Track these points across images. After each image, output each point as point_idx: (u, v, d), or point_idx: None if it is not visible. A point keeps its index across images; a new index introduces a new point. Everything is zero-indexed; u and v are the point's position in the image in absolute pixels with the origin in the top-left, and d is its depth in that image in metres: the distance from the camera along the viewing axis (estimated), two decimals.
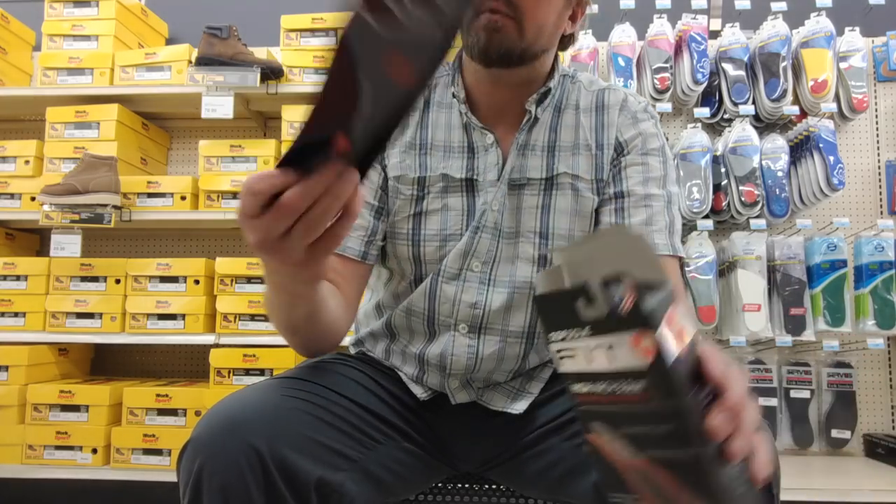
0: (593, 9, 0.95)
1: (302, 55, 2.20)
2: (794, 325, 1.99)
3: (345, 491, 0.75)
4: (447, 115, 0.96)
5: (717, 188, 2.05)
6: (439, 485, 1.02)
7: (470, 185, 0.92)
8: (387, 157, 0.95)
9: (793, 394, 2.09)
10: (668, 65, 2.10)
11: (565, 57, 2.22)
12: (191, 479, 0.66)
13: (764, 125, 2.18)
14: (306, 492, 0.70)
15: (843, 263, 2.01)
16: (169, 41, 2.58)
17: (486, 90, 0.93)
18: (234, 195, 2.13)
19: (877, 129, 2.28)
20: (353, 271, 0.91)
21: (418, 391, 0.94)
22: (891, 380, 2.19)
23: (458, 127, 0.94)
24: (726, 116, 2.16)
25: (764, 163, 2.05)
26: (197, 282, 2.07)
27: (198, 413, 1.97)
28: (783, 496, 0.73)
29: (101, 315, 2.07)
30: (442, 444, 0.93)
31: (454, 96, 0.94)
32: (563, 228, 0.92)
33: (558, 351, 0.46)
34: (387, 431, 0.86)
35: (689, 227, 2.03)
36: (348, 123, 0.46)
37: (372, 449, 0.82)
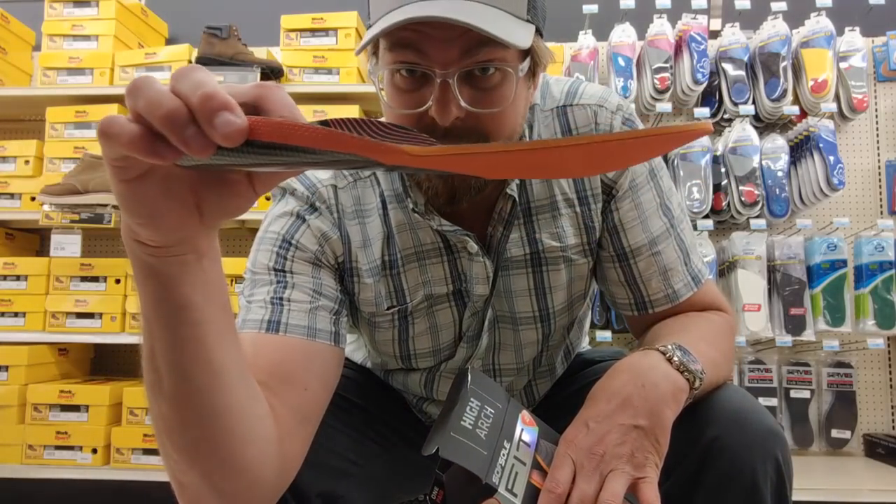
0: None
1: (302, 55, 2.19)
2: (794, 325, 1.99)
3: (349, 498, 0.74)
4: (405, 212, 0.77)
5: (717, 188, 2.05)
6: None
7: (458, 294, 0.80)
8: (356, 286, 0.78)
9: (793, 394, 2.09)
10: (668, 65, 2.09)
11: (565, 57, 2.22)
12: None
13: (764, 125, 2.18)
14: (310, 501, 0.69)
15: (843, 263, 2.01)
16: (169, 41, 2.58)
17: None
18: None
19: (877, 129, 2.28)
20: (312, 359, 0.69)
21: (420, 415, 0.94)
22: (891, 380, 2.19)
23: (425, 226, 0.77)
24: (726, 116, 2.16)
25: (764, 163, 2.05)
26: None
27: None
28: None
29: (101, 315, 2.06)
30: None
31: (414, 210, 0.75)
32: (562, 303, 0.83)
33: None
34: (389, 436, 0.85)
35: None
36: None
37: (376, 455, 0.81)
